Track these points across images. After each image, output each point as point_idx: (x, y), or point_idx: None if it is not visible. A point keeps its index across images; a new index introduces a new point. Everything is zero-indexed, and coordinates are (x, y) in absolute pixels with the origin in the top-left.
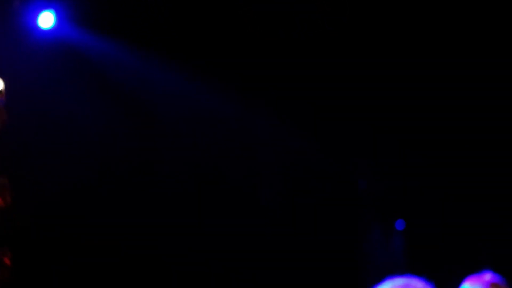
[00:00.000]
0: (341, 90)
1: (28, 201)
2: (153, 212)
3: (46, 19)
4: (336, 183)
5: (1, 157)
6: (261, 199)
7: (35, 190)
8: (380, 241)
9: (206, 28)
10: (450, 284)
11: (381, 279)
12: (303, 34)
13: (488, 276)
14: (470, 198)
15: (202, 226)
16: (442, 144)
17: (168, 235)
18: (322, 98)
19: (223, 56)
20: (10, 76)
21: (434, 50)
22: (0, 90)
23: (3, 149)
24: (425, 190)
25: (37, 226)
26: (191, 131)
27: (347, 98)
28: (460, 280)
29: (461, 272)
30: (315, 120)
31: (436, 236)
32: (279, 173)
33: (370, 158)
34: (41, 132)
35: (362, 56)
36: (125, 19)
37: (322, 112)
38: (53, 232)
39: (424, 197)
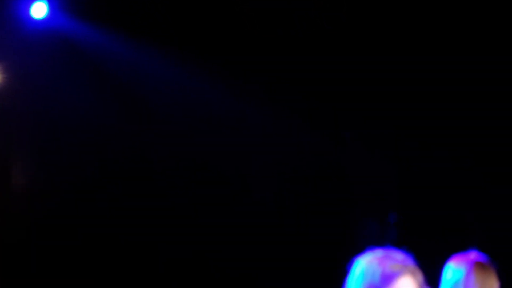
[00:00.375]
0: (338, 87)
1: (23, 197)
2: (148, 206)
3: (39, 9)
4: (331, 177)
5: None
6: (254, 193)
7: (29, 184)
8: (373, 234)
9: (204, 22)
10: (436, 263)
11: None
12: (301, 32)
13: (473, 255)
14: (457, 182)
15: (196, 219)
16: (435, 136)
17: (161, 229)
18: (320, 94)
19: (221, 52)
20: (3, 66)
21: (432, 47)
22: None
23: None
24: (415, 177)
25: (35, 222)
26: (186, 124)
27: (344, 94)
28: (446, 259)
29: (447, 251)
30: (311, 116)
31: (424, 216)
32: (274, 167)
33: (365, 152)
34: (35, 123)
35: (360, 54)
36: (118, 9)
37: (319, 108)
38: (51, 227)
39: (415, 184)
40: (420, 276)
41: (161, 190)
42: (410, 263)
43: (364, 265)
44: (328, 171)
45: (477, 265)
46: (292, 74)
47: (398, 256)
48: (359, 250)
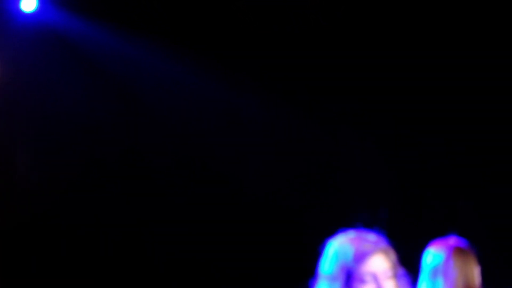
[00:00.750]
0: (334, 84)
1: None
2: (147, 203)
3: (29, 3)
4: (328, 174)
5: None
6: (251, 190)
7: (25, 182)
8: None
9: (200, 18)
10: (416, 249)
11: None
12: (297, 28)
13: (452, 240)
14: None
15: (192, 217)
16: (430, 132)
17: (158, 227)
18: (316, 91)
19: (217, 48)
20: None
21: (428, 44)
22: None
23: None
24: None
25: (32, 220)
26: (182, 121)
27: (340, 91)
28: (425, 244)
29: (426, 237)
30: (308, 112)
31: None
32: (270, 164)
33: (362, 150)
34: (26, 118)
35: (357, 50)
36: (109, 1)
37: (315, 105)
38: (46, 226)
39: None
40: (393, 256)
41: (158, 187)
42: (382, 243)
43: (337, 246)
44: (325, 169)
45: (457, 250)
46: (288, 70)
47: (371, 236)
48: None
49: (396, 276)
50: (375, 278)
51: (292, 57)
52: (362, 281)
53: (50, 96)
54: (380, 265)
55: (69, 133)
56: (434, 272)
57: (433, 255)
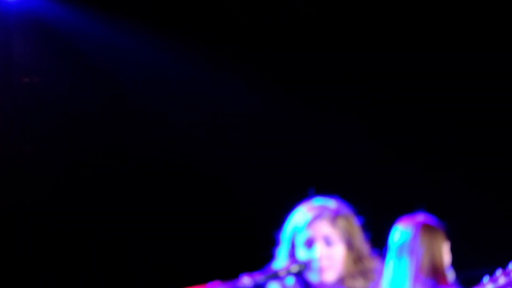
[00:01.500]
0: (325, 78)
1: None
2: (123, 197)
3: None
4: (314, 172)
5: None
6: (232, 182)
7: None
8: None
9: (191, 11)
10: (386, 226)
11: None
12: (289, 22)
13: (420, 217)
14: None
15: (171, 209)
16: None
17: (135, 219)
18: (307, 85)
19: (207, 41)
20: None
21: (422, 39)
22: None
23: None
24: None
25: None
26: (166, 107)
27: (331, 85)
28: (393, 221)
29: (395, 214)
30: (297, 107)
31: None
32: (253, 156)
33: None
34: (9, 107)
35: (348, 44)
36: None
37: (305, 99)
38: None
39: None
40: (345, 223)
41: (141, 177)
42: (339, 210)
43: (295, 213)
44: (311, 165)
45: (424, 227)
46: (279, 64)
47: (332, 204)
48: None
49: (347, 243)
50: (309, 244)
51: (284, 50)
52: (300, 245)
53: (34, 84)
54: (320, 230)
55: (53, 120)
56: (401, 249)
57: (400, 232)
